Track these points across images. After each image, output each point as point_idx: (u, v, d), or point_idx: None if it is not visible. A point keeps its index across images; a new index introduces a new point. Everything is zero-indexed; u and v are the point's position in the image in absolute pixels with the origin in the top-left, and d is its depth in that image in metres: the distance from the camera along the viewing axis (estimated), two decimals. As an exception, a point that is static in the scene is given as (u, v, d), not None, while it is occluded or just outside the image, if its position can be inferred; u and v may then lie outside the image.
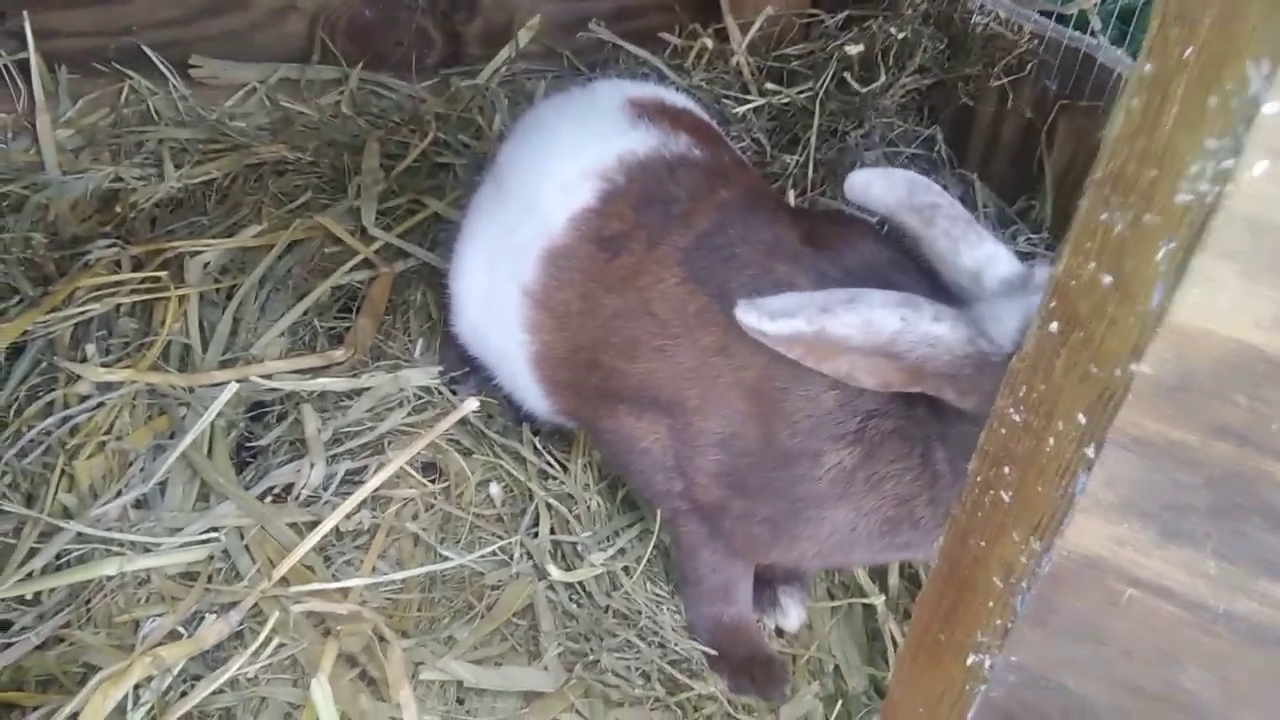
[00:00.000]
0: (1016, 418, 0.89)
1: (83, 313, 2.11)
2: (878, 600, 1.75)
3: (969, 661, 0.97)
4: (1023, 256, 1.63)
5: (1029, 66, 2.22)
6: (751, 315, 1.30)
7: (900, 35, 2.25)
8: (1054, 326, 0.84)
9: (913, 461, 1.41)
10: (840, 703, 1.63)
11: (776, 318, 1.29)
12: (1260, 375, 0.64)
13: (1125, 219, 0.76)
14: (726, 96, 2.56)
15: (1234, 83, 0.64)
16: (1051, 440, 0.85)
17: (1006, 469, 0.91)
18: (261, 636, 1.54)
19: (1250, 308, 0.63)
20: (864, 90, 2.24)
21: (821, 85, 2.39)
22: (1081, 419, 0.81)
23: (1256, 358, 0.64)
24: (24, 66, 2.68)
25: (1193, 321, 0.65)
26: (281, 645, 1.55)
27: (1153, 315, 0.72)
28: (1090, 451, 0.80)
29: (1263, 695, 0.73)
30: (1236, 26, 0.65)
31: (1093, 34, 2.21)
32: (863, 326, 1.27)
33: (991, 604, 0.94)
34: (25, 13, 2.66)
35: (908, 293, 1.30)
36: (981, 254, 1.40)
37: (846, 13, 2.66)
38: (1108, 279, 0.78)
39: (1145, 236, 0.73)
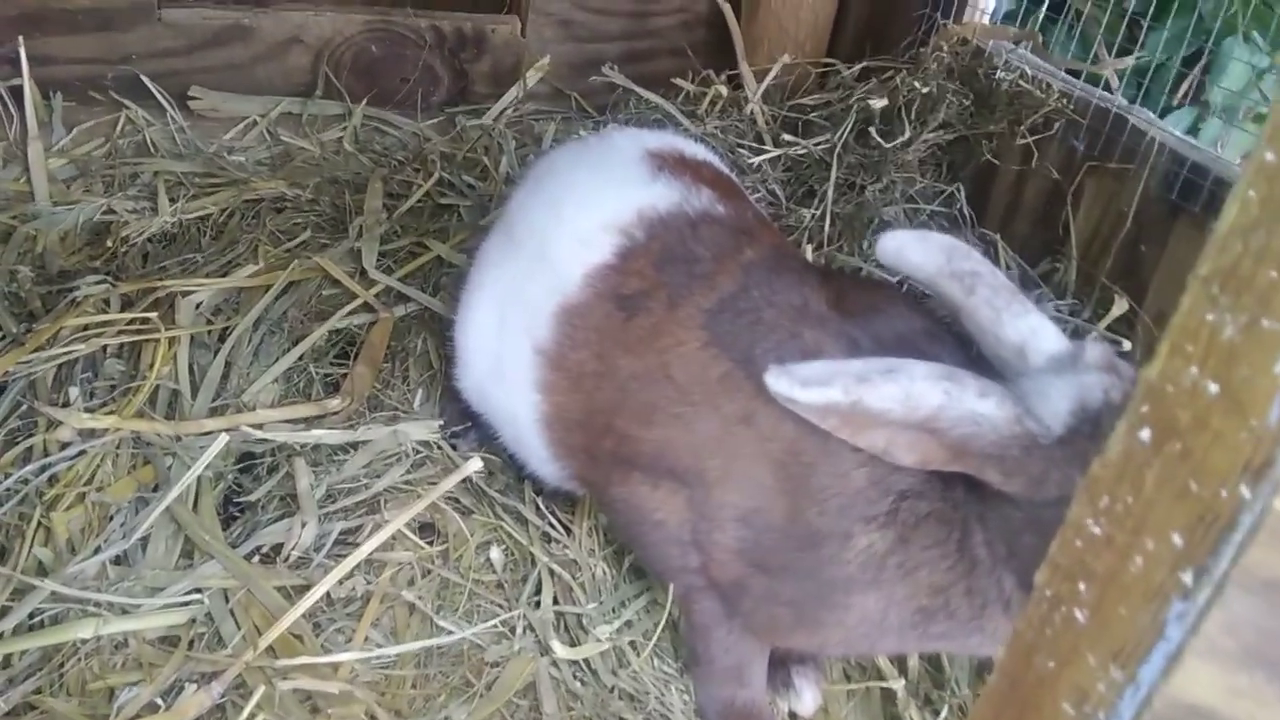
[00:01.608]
0: (1097, 530, 0.81)
1: (68, 353, 2.01)
2: (897, 685, 1.66)
3: (1031, 793, 0.89)
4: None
5: (1056, 126, 2.17)
6: (783, 382, 1.23)
7: (924, 89, 2.19)
8: (1145, 434, 0.76)
9: (949, 548, 1.32)
10: (859, 797, 1.54)
11: (809, 386, 1.22)
12: None
13: (1237, 322, 0.69)
14: (741, 146, 2.50)
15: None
16: (1139, 560, 0.77)
17: (1082, 585, 0.83)
18: (245, 713, 1.43)
19: None
20: (888, 145, 2.18)
21: (840, 137, 2.33)
22: (1177, 540, 0.73)
23: None
24: (17, 92, 2.61)
25: (1344, 456, 0.57)
26: (265, 723, 1.45)
27: (1270, 433, 0.64)
28: (1187, 578, 0.72)
29: None
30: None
31: (1108, 89, 2.15)
32: (903, 400, 1.19)
33: (1060, 731, 0.86)
34: (20, 37, 2.58)
35: (950, 366, 1.23)
36: (1026, 326, 1.33)
37: (864, 63, 2.61)
38: (1213, 387, 0.70)
39: (1262, 344, 0.66)
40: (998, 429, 1.19)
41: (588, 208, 1.65)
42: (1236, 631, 0.65)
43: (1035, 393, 1.25)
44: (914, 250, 1.43)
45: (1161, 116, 2.30)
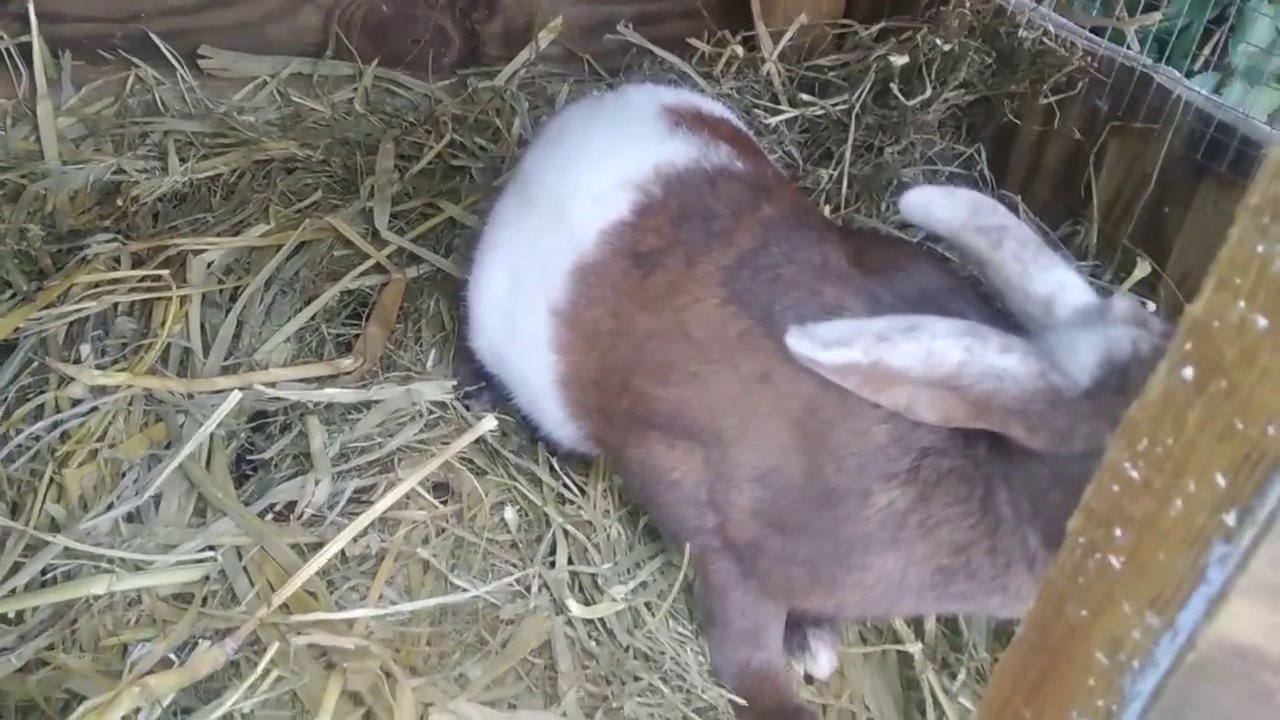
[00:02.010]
0: (1134, 474, 0.79)
1: (79, 310, 2.00)
2: (914, 647, 1.64)
3: (1061, 744, 0.87)
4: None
5: (1079, 85, 2.13)
6: (804, 343, 1.21)
7: (946, 47, 2.15)
8: (1188, 373, 0.74)
9: (972, 505, 1.30)
10: (876, 758, 1.52)
11: (830, 346, 1.20)
12: None
13: (1289, 253, 0.66)
14: (757, 106, 2.46)
15: None
16: (1179, 503, 0.74)
17: (1118, 531, 0.81)
18: (259, 669, 1.42)
19: None
20: (909, 104, 2.14)
21: (859, 97, 2.29)
22: (1220, 481, 0.71)
23: None
24: (26, 50, 2.59)
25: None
26: (280, 679, 1.43)
27: (1322, 368, 0.62)
28: (1230, 519, 0.70)
29: None
30: None
31: (1127, 48, 2.11)
32: (924, 358, 1.17)
33: (1093, 682, 0.84)
34: (31, -5, 2.56)
35: (972, 321, 1.21)
36: (1054, 280, 1.31)
37: (882, 24, 2.56)
38: (1262, 322, 0.68)
39: (1316, 275, 0.64)
40: (1020, 384, 1.17)
41: (603, 165, 1.63)
42: (1285, 568, 0.63)
43: (1062, 347, 1.22)
44: (940, 205, 1.41)
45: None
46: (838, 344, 1.20)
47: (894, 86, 2.16)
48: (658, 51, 2.71)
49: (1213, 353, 0.72)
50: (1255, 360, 0.68)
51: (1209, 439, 0.72)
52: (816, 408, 1.34)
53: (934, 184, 2.21)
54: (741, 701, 1.55)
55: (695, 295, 1.46)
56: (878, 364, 1.19)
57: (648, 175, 1.58)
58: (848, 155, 2.28)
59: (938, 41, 2.14)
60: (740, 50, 2.64)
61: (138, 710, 1.42)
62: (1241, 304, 0.69)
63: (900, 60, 2.16)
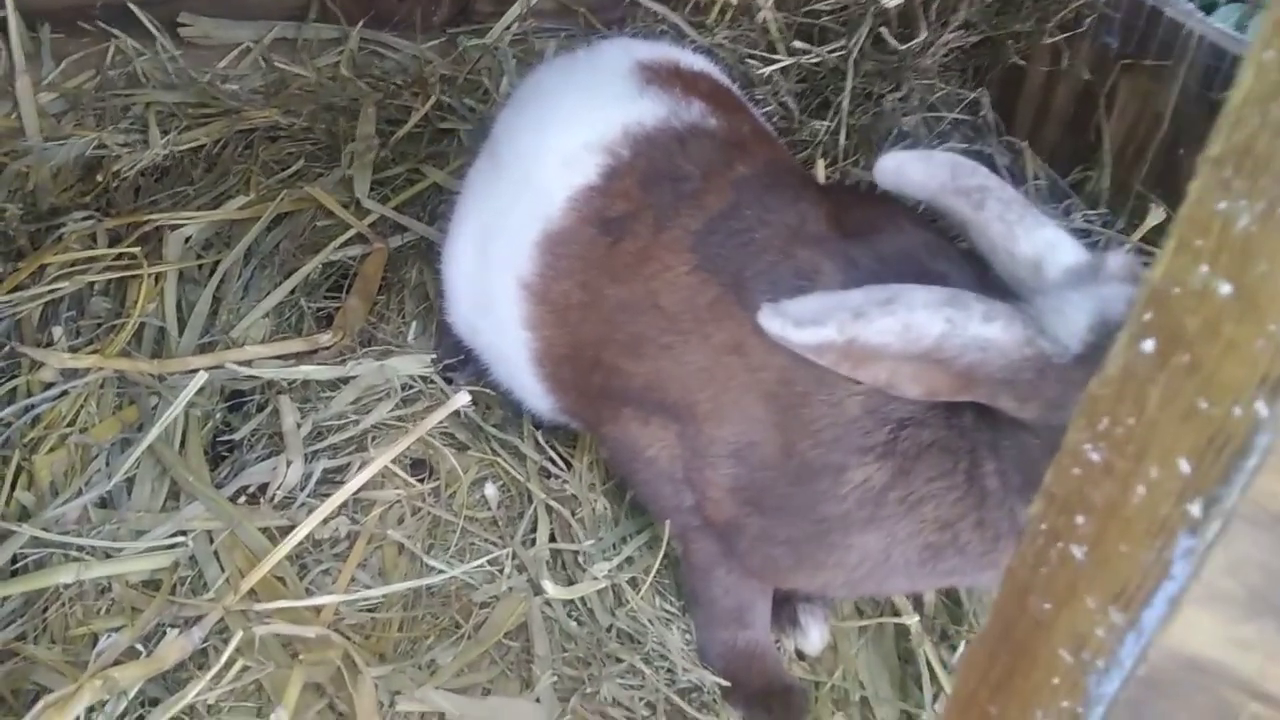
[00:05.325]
0: (1095, 457, 0.71)
1: (52, 291, 1.96)
2: (911, 620, 1.57)
3: (1026, 747, 0.80)
4: (1077, 235, 1.44)
5: (1087, 22, 2.01)
6: (776, 323, 1.14)
7: (944, -14, 2.04)
8: (1148, 345, 0.66)
9: (956, 479, 1.22)
10: (867, 737, 1.46)
11: (803, 325, 1.13)
12: None
13: (1253, 209, 0.59)
14: (751, 56, 2.36)
15: None
16: (1142, 489, 0.67)
17: (1080, 519, 0.73)
18: (223, 659, 1.38)
19: None
20: (903, 48, 2.03)
21: (856, 43, 2.18)
22: (1185, 467, 0.63)
23: None
24: (3, 25, 2.52)
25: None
26: (246, 668, 1.39)
27: (1292, 340, 0.54)
28: (1195, 509, 0.62)
29: None
30: None
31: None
32: (901, 333, 1.10)
33: (1057, 680, 0.77)
34: (4, -32, 2.49)
35: (953, 288, 1.13)
36: (1041, 240, 1.22)
37: (884, -37, 2.44)
38: (1226, 288, 0.60)
39: (1282, 233, 0.55)
40: (1006, 353, 1.09)
41: (571, 126, 1.54)
42: (1241, 573, 0.55)
43: (1051, 310, 1.14)
44: (915, 169, 1.31)
45: (1207, 14, 2.13)
46: (811, 322, 1.13)
47: (884, 32, 2.05)
48: (646, 3, 2.60)
49: (1173, 324, 0.64)
50: (1219, 332, 0.60)
51: (1171, 419, 0.64)
52: (790, 379, 1.27)
53: (936, 131, 2.12)
54: (726, 683, 1.49)
55: (664, 263, 1.39)
56: (854, 341, 1.11)
57: (616, 136, 1.49)
58: (845, 105, 2.17)
59: (934, -20, 2.03)
60: (734, -2, 2.53)
61: (103, 703, 1.39)
62: (1204, 268, 0.61)
63: (895, 3, 2.05)
